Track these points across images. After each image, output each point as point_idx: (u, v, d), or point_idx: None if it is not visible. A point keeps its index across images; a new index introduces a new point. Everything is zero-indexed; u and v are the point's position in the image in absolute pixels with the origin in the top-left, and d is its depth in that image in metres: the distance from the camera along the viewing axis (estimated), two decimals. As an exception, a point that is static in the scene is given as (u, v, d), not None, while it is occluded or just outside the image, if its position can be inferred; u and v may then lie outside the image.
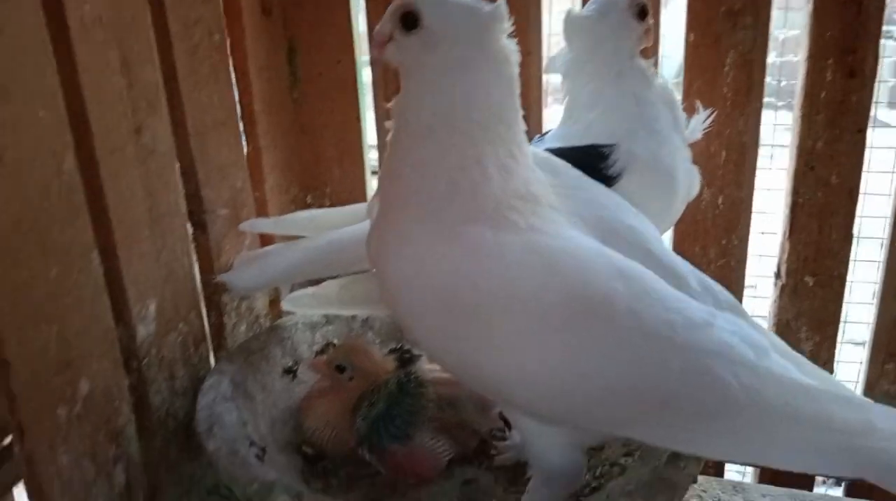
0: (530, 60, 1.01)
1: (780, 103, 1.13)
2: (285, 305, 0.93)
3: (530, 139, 0.82)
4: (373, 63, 1.06)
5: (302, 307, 0.93)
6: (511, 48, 0.63)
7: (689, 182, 0.86)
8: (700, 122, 0.90)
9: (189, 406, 0.83)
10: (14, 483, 0.77)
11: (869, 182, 1.06)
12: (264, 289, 0.96)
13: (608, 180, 0.79)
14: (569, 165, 0.75)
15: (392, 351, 0.91)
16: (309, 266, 0.87)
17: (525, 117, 0.65)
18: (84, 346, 0.67)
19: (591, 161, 0.80)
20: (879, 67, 0.96)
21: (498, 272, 0.61)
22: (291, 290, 0.94)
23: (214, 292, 0.89)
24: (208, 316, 0.89)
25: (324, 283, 0.92)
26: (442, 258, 0.62)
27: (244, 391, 0.83)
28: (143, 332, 0.75)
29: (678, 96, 0.91)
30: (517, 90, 0.64)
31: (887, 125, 1.02)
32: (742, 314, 0.68)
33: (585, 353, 0.61)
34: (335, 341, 0.96)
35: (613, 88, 0.83)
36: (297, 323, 0.96)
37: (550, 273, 0.62)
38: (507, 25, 0.62)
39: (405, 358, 0.89)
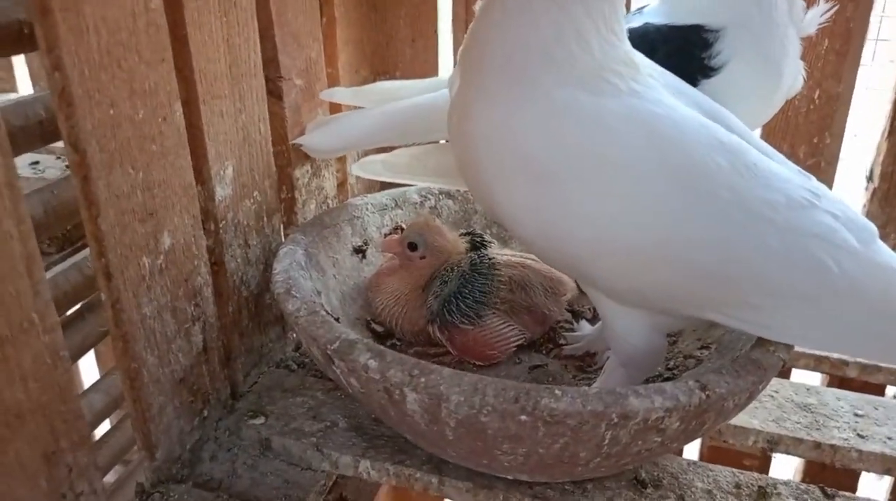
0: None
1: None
2: (355, 169, 0.92)
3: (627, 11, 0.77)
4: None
5: (371, 173, 0.92)
6: None
7: (793, 77, 0.80)
8: (818, 15, 0.83)
9: (260, 276, 0.82)
10: (87, 347, 0.78)
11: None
12: (339, 153, 0.94)
13: (708, 70, 0.73)
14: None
15: (465, 233, 0.89)
16: (384, 132, 0.85)
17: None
18: (167, 198, 0.65)
19: (692, 47, 0.74)
20: None
21: (593, 135, 0.58)
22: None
23: (288, 165, 0.87)
24: (279, 189, 0.87)
25: (395, 151, 0.90)
26: (532, 120, 0.58)
27: (317, 263, 0.82)
28: (220, 194, 0.74)
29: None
30: None
31: None
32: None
33: (681, 227, 0.58)
34: (403, 225, 0.94)
35: None
36: (366, 203, 0.94)
37: (650, 139, 0.58)
38: None
39: (477, 242, 0.87)
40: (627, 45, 0.61)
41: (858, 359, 0.96)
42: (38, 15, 0.52)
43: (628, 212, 0.58)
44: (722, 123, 0.64)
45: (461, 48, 0.64)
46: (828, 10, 0.83)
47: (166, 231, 0.66)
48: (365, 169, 0.93)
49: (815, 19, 0.83)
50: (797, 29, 0.80)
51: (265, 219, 0.82)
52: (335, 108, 0.96)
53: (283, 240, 0.86)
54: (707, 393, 0.56)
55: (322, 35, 0.92)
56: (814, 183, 0.63)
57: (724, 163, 0.58)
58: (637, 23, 0.78)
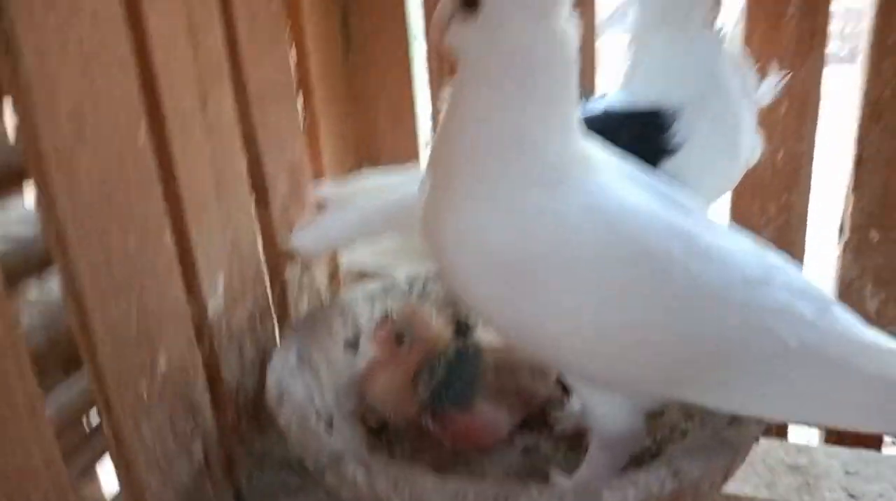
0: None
1: (842, 52, 1.09)
2: (346, 261, 0.96)
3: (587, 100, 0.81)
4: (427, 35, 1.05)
5: (362, 264, 0.97)
6: (573, 27, 0.61)
7: (751, 150, 0.85)
8: (771, 86, 0.87)
9: (257, 379, 0.83)
10: (95, 461, 0.78)
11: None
12: (327, 252, 0.97)
13: (668, 152, 0.77)
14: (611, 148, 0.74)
15: (449, 321, 0.91)
16: (367, 228, 0.88)
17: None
18: (161, 319, 0.67)
19: (651, 131, 0.78)
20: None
21: (557, 233, 0.61)
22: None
23: (277, 265, 0.89)
24: (272, 289, 0.89)
25: (381, 243, 0.95)
26: (500, 223, 0.61)
27: (309, 363, 0.83)
28: (213, 306, 0.75)
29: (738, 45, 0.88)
30: (577, 69, 0.62)
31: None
32: None
33: (644, 312, 0.61)
34: (393, 313, 0.96)
35: (683, 55, 0.80)
36: (356, 296, 0.95)
37: (609, 232, 0.61)
38: (569, 7, 0.60)
39: (462, 327, 0.89)
40: (584, 142, 0.64)
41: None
42: (32, 163, 0.54)
43: (595, 303, 0.61)
44: (678, 206, 0.67)
45: (428, 155, 0.67)
46: (780, 80, 0.87)
47: (162, 352, 0.67)
48: (355, 260, 0.96)
49: (769, 91, 0.87)
50: (752, 102, 0.84)
51: (258, 322, 0.84)
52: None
53: (277, 340, 0.87)
54: (680, 479, 0.58)
55: (305, 134, 0.95)
56: (768, 259, 0.65)
57: (679, 248, 0.60)
58: (599, 110, 0.82)
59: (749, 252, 0.64)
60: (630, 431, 0.69)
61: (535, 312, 0.62)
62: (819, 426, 1.02)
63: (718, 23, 0.83)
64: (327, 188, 0.95)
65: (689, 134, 0.78)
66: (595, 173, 0.64)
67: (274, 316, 0.89)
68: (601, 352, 0.63)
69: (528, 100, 0.60)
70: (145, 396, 0.65)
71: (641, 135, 0.78)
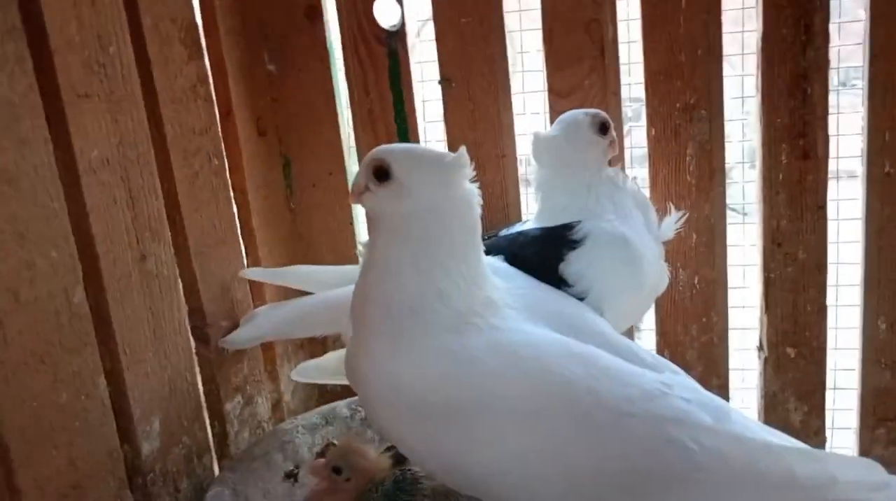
0: (506, 162, 1.08)
1: (748, 163, 1.19)
2: (293, 375, 1.03)
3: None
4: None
5: (307, 377, 1.03)
6: (473, 192, 0.70)
7: (658, 277, 0.91)
8: (673, 223, 0.95)
9: (194, 516, 0.86)
10: None
11: (842, 252, 1.11)
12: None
13: (573, 244, 0.84)
14: (521, 273, 0.82)
15: (388, 449, 0.94)
16: (300, 322, 0.96)
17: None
18: (91, 467, 0.70)
19: (559, 231, 0.86)
20: (835, 146, 1.03)
21: (465, 374, 0.66)
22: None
23: (218, 401, 0.93)
24: (212, 425, 0.93)
25: (325, 355, 1.01)
26: (412, 366, 0.67)
27: (245, 499, 0.86)
28: (147, 449, 0.79)
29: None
30: (479, 229, 0.70)
31: (854, 199, 1.07)
32: None
33: (554, 437, 0.65)
34: (335, 441, 0.99)
35: (584, 198, 0.89)
36: (297, 426, 0.99)
37: (512, 366, 0.67)
38: (469, 171, 0.69)
39: (400, 456, 0.92)
40: (488, 289, 0.71)
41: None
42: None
43: (507, 433, 0.65)
44: (583, 326, 0.73)
45: (351, 305, 0.73)
46: (680, 218, 0.96)
47: (90, 499, 0.70)
48: (302, 374, 1.02)
49: (671, 226, 0.95)
50: (655, 236, 0.92)
51: (195, 460, 0.87)
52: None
53: (215, 475, 0.90)
54: None
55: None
56: (665, 375, 0.70)
57: (579, 370, 0.66)
58: (514, 232, 0.93)
59: (646, 368, 0.70)
60: None
61: (454, 450, 0.67)
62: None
63: (616, 166, 0.93)
64: (258, 273, 1.02)
65: (591, 230, 0.85)
66: (498, 313, 0.70)
67: (213, 452, 0.92)
68: (519, 482, 0.66)
69: (436, 256, 0.68)
70: (72, 544, 0.68)
71: (551, 235, 0.86)
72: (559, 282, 0.83)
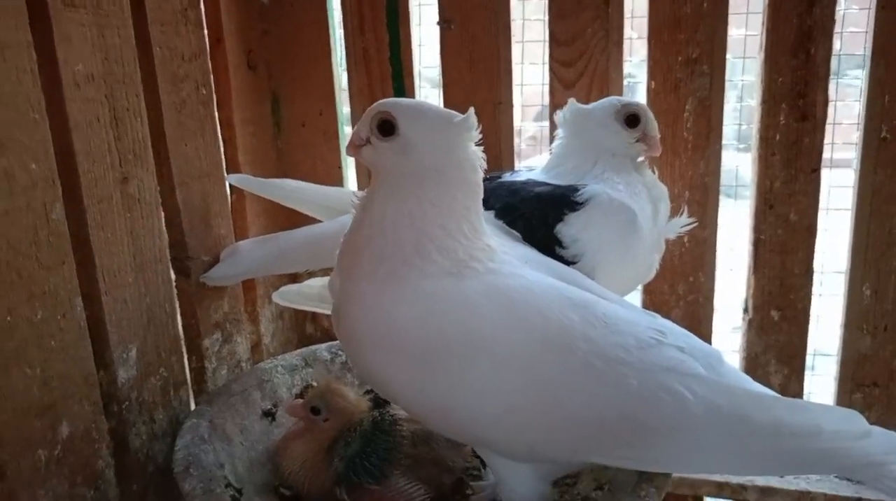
0: (502, 109, 1.06)
1: (741, 145, 1.19)
2: (275, 297, 1.02)
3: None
4: (353, 114, 1.11)
5: (288, 301, 1.01)
6: (477, 154, 0.68)
7: (648, 268, 0.90)
8: (680, 224, 0.93)
9: (168, 449, 0.84)
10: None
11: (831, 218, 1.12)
12: (239, 279, 1.00)
13: (574, 205, 0.83)
14: (514, 237, 0.81)
15: (368, 392, 0.93)
16: (283, 258, 0.95)
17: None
18: (65, 389, 0.69)
19: (564, 190, 0.85)
20: (832, 110, 1.02)
21: (461, 317, 0.65)
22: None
23: (196, 336, 0.92)
24: (189, 360, 0.91)
25: (308, 281, 1.00)
26: (405, 309, 0.66)
27: (222, 433, 0.85)
28: (123, 376, 0.77)
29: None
30: (481, 192, 0.69)
31: (848, 166, 1.07)
32: None
33: (548, 383, 0.65)
34: (314, 383, 0.98)
35: (591, 167, 0.88)
36: (276, 365, 0.97)
37: (509, 312, 0.66)
38: (476, 134, 0.67)
39: (380, 399, 0.91)
40: (485, 237, 0.70)
41: (756, 482, 1.01)
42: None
43: (501, 378, 0.65)
44: (572, 281, 0.72)
45: (339, 251, 0.71)
46: (688, 225, 0.93)
47: (64, 421, 0.69)
48: (283, 297, 1.01)
49: (676, 227, 0.93)
50: (657, 230, 0.90)
51: (172, 392, 0.86)
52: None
53: (192, 409, 0.88)
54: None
55: (231, 211, 0.99)
56: (659, 321, 0.71)
57: (575, 317, 0.65)
58: (523, 177, 0.90)
59: (639, 317, 0.70)
60: (538, 498, 0.72)
61: (445, 393, 0.66)
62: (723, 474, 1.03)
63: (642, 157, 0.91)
64: (246, 180, 0.99)
65: (594, 195, 0.83)
66: (495, 257, 0.69)
67: (190, 386, 0.91)
68: (513, 427, 0.66)
69: (436, 217, 0.66)
70: (43, 464, 0.66)
71: (555, 195, 0.84)
72: (553, 242, 0.81)
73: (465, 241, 0.67)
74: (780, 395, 0.68)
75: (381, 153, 0.67)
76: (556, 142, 0.93)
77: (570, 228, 0.82)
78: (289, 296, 1.00)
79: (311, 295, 0.98)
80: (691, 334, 0.71)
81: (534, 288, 0.68)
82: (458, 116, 0.67)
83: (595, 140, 0.89)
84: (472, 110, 0.66)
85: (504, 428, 0.67)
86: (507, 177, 0.92)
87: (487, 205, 0.81)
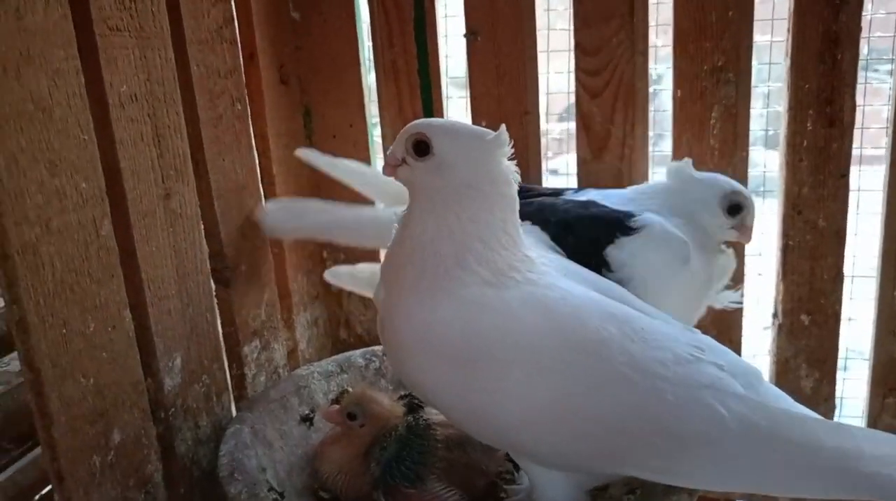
0: (529, 119, 1.08)
1: (768, 150, 1.19)
2: (327, 276, 1.08)
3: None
4: (383, 125, 1.14)
5: (338, 280, 1.08)
6: (511, 169, 0.70)
7: (688, 316, 0.88)
8: (730, 298, 0.94)
9: (212, 454, 0.87)
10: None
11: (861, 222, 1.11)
12: (289, 235, 1.05)
13: (628, 230, 0.83)
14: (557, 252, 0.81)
15: (402, 397, 0.95)
16: (338, 228, 0.99)
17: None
18: (116, 397, 0.72)
19: (620, 215, 0.85)
20: (860, 115, 1.02)
21: (500, 324, 0.67)
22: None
23: (236, 344, 0.95)
24: (230, 367, 0.94)
25: (360, 265, 1.05)
26: (448, 317, 0.68)
27: (263, 438, 0.88)
28: (169, 384, 0.80)
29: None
30: (517, 206, 0.71)
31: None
32: None
33: (585, 394, 0.66)
34: (349, 388, 1.01)
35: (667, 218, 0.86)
36: (313, 372, 1.00)
37: (548, 320, 0.67)
38: (508, 149, 0.69)
39: (414, 404, 0.93)
40: (524, 248, 0.72)
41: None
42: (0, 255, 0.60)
43: (537, 385, 0.66)
44: (612, 294, 0.74)
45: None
46: (738, 300, 0.95)
47: (116, 428, 0.72)
48: (335, 276, 1.07)
49: (727, 299, 0.94)
50: (707, 297, 0.91)
51: (214, 399, 0.89)
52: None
53: (233, 415, 0.91)
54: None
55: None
56: (699, 337, 0.72)
57: (614, 330, 0.67)
58: (584, 197, 0.90)
59: (679, 333, 0.71)
60: None
61: (485, 400, 0.68)
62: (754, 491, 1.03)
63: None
64: (313, 156, 1.04)
65: (648, 223, 0.83)
66: (534, 268, 0.71)
67: (231, 392, 0.94)
68: (547, 435, 0.68)
69: (475, 232, 0.68)
70: (98, 469, 0.69)
71: (608, 217, 0.84)
72: (601, 264, 0.82)
73: (504, 253, 0.69)
74: (820, 417, 0.68)
75: (418, 172, 0.69)
76: (651, 186, 0.93)
77: (621, 252, 0.82)
78: (339, 276, 1.06)
79: (362, 279, 1.03)
80: (731, 351, 0.72)
81: (571, 298, 0.69)
82: (491, 134, 0.69)
83: (691, 210, 0.88)
84: (503, 127, 0.68)
85: (538, 434, 0.68)
86: (571, 194, 0.92)
87: (542, 218, 0.83)
